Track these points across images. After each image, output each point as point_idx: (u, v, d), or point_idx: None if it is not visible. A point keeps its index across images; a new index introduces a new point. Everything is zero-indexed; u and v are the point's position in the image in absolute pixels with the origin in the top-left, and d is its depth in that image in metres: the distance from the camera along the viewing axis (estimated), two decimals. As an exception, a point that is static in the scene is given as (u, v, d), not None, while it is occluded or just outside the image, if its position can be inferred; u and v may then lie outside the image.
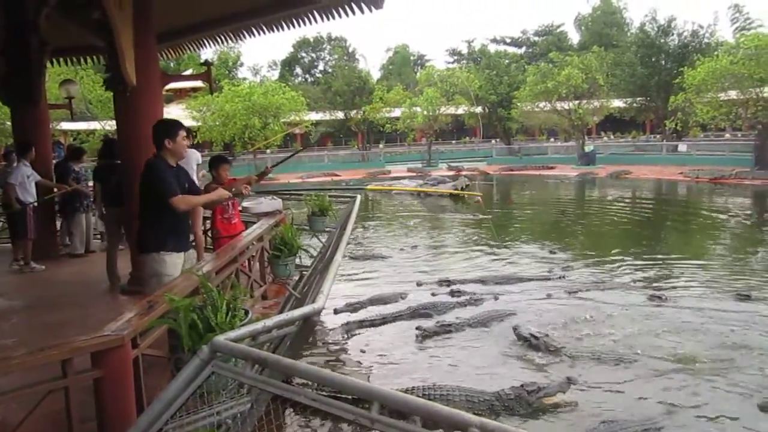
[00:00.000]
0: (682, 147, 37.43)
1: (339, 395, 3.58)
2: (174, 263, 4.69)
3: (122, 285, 7.22)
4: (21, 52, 8.83)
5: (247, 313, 3.69)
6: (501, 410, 5.89)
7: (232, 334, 3.02)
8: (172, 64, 44.59)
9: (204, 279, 3.78)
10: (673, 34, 39.55)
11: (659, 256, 12.97)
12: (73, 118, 25.75)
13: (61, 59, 10.90)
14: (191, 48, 9.92)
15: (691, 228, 17.52)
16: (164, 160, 4.74)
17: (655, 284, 10.57)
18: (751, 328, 8.12)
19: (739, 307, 9.10)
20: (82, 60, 11.25)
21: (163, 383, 3.60)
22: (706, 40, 38.79)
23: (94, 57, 10.82)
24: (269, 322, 3.26)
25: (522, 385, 6.16)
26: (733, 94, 30.58)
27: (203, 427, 2.87)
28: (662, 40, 39.54)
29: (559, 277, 11.20)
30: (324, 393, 3.35)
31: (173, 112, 39.17)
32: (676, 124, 35.12)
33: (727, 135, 41.96)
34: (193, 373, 2.87)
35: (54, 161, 10.72)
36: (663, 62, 39.32)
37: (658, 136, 44.07)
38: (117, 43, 5.89)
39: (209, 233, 9.96)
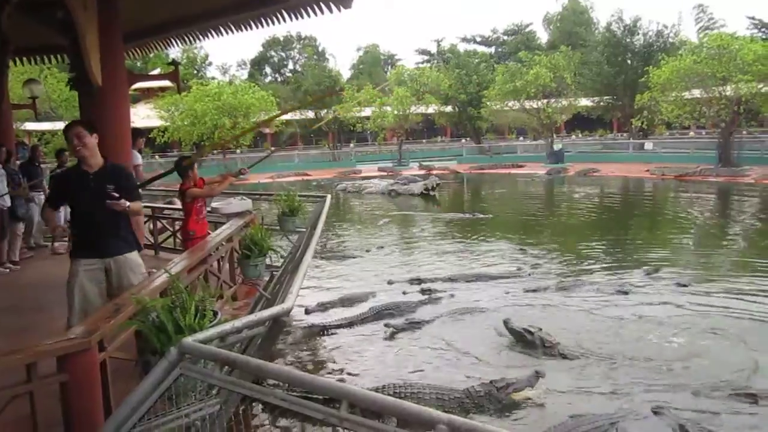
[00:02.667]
0: (649, 145, 38.05)
1: (309, 395, 3.59)
2: (76, 271, 4.58)
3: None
4: (-18, 51, 8.66)
5: (216, 314, 3.67)
6: (471, 407, 5.94)
7: (201, 335, 3.00)
8: (138, 64, 44.04)
9: (175, 279, 3.75)
10: (638, 34, 40.18)
11: (625, 252, 13.19)
12: (37, 119, 25.31)
13: (24, 58, 10.71)
14: (158, 47, 9.82)
15: (657, 224, 17.86)
16: (72, 169, 4.79)
17: (621, 279, 10.76)
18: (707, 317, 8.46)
19: (684, 299, 9.48)
20: (45, 59, 11.04)
21: (131, 386, 3.56)
22: (670, 40, 39.48)
23: (59, 56, 10.62)
24: (238, 323, 3.25)
25: (491, 382, 6.22)
26: (697, 92, 31.15)
27: (171, 430, 2.84)
28: (628, 40, 40.15)
29: (528, 274, 11.34)
30: (294, 393, 3.35)
31: (140, 112, 38.79)
32: (642, 123, 35.69)
33: (692, 133, 42.84)
34: (161, 375, 2.85)
35: (18, 162, 10.52)
36: (629, 61, 39.93)
37: (624, 134, 44.76)
38: (82, 42, 5.80)
39: (178, 234, 9.90)
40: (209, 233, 7.10)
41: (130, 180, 4.83)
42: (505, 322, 7.90)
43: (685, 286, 10.10)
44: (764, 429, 5.55)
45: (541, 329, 7.64)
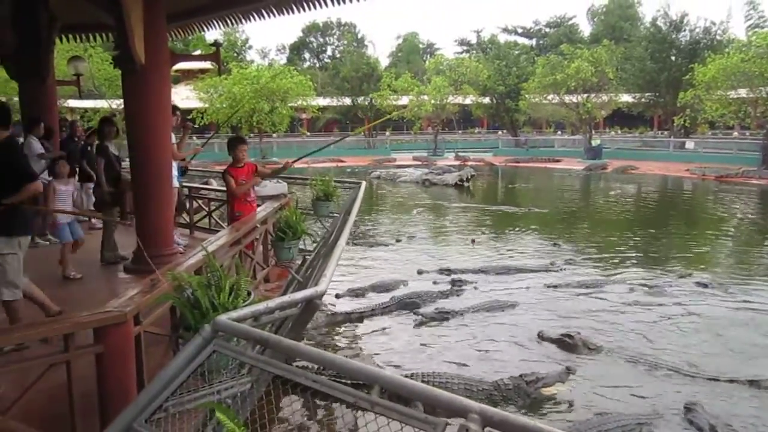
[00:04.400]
0: (690, 144, 37.28)
1: (339, 378, 3.60)
2: None
3: (126, 263, 7.23)
4: (30, 27, 8.79)
5: (249, 294, 3.69)
6: (499, 400, 5.91)
7: (235, 314, 3.02)
8: (179, 45, 44.46)
9: (211, 257, 3.78)
10: (684, 30, 39.24)
11: (660, 252, 12.97)
12: (80, 96, 25.75)
13: (70, 35, 10.86)
14: (199, 28, 9.87)
15: (693, 225, 17.50)
16: None
17: (655, 279, 10.58)
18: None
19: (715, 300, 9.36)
20: (91, 37, 11.19)
21: (164, 361, 3.61)
22: (718, 37, 38.49)
23: (103, 35, 10.77)
24: (272, 303, 3.26)
25: (521, 375, 6.19)
26: (743, 92, 30.42)
27: (203, 406, 2.87)
28: (673, 36, 39.25)
29: (561, 270, 11.20)
30: (325, 376, 3.36)
31: (181, 92, 39.17)
32: (684, 121, 34.96)
33: (735, 133, 41.78)
34: (195, 351, 2.88)
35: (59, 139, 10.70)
36: (673, 58, 39.04)
37: (665, 132, 43.87)
38: (126, 20, 5.85)
39: (213, 215, 10.01)
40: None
41: (12, 157, 4.54)
42: (540, 335, 7.79)
43: (705, 286, 9.99)
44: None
45: (579, 332, 7.56)
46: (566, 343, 7.39)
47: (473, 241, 13.33)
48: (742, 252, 13.42)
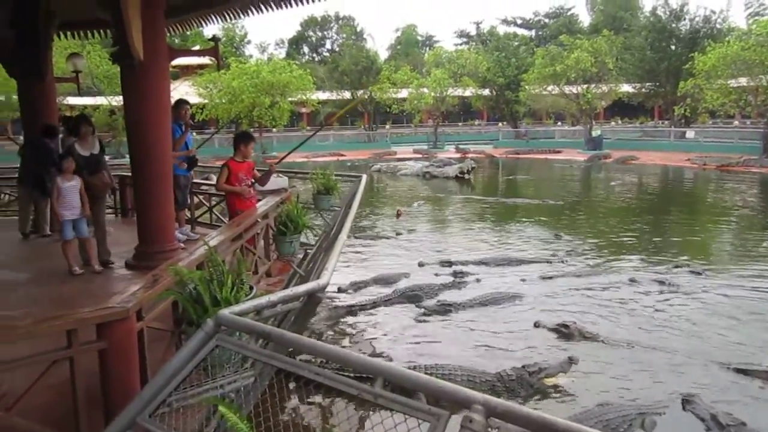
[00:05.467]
0: (690, 133, 37.21)
1: (342, 371, 3.60)
2: None
3: (127, 259, 7.23)
4: (29, 24, 8.77)
5: (251, 288, 3.70)
6: (502, 391, 5.92)
7: (237, 308, 3.03)
8: (177, 41, 44.36)
9: (212, 252, 3.78)
10: (684, 19, 39.13)
11: (661, 242, 12.96)
12: (79, 93, 25.71)
13: (69, 32, 10.83)
14: (198, 23, 9.83)
15: (694, 214, 17.49)
16: None
17: (655, 269, 10.58)
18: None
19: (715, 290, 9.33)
20: (89, 34, 11.18)
21: (167, 356, 3.62)
22: (718, 26, 38.38)
23: (102, 31, 10.75)
24: (274, 297, 3.26)
25: (523, 366, 6.20)
26: (743, 80, 30.31)
27: (206, 400, 2.88)
28: (673, 25, 39.14)
29: (562, 261, 11.20)
30: (328, 369, 3.36)
31: (180, 88, 39.09)
32: (684, 111, 34.89)
33: (736, 122, 41.70)
34: (197, 346, 2.89)
35: (59, 136, 10.68)
36: (673, 47, 38.94)
37: (666, 122, 43.81)
38: (124, 15, 5.83)
39: (214, 210, 10.01)
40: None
41: None
42: (536, 324, 7.87)
43: (699, 274, 10.07)
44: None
45: (575, 322, 7.63)
46: (563, 333, 7.48)
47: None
48: (741, 241, 13.41)
